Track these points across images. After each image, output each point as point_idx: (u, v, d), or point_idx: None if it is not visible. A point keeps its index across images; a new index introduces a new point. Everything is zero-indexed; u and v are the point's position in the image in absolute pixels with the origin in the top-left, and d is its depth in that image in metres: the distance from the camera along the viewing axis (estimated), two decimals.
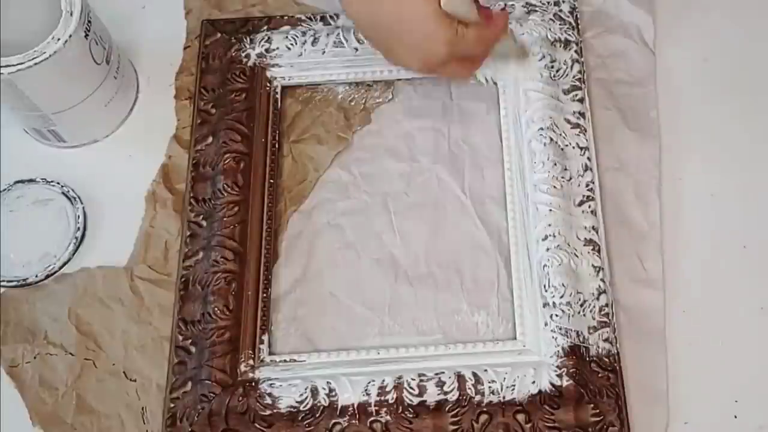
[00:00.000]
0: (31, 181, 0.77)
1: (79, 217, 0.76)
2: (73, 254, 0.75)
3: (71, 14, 0.72)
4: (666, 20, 0.81)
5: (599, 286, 0.70)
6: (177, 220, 0.76)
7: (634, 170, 0.75)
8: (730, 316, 0.71)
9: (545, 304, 0.69)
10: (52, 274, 0.74)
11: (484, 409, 0.66)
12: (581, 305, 0.69)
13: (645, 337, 0.70)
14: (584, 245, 0.71)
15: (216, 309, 0.70)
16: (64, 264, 0.74)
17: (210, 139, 0.76)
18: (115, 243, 0.75)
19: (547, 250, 0.70)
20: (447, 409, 0.66)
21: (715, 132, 0.77)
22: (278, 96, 0.79)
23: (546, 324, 0.68)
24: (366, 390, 0.67)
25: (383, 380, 0.68)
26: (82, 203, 0.76)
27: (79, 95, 0.75)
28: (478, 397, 0.67)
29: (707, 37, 0.81)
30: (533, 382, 0.67)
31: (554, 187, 0.72)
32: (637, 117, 0.77)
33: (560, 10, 0.79)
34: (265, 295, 0.72)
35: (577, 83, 0.76)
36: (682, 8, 0.82)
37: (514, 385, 0.67)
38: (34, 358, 0.72)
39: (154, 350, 0.71)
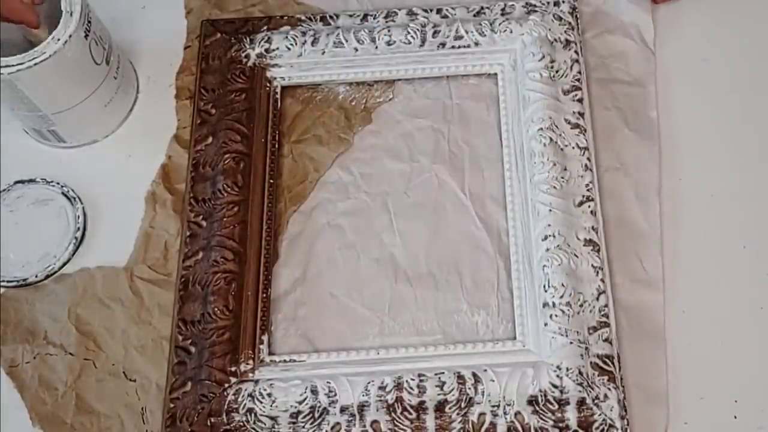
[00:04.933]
0: (31, 181, 0.77)
1: (78, 217, 0.76)
2: (73, 254, 0.75)
3: (71, 14, 0.72)
4: (666, 20, 0.81)
5: (599, 287, 0.70)
6: (177, 220, 0.76)
7: (634, 170, 0.75)
8: (730, 316, 0.71)
9: (545, 305, 0.69)
10: (52, 274, 0.74)
11: (484, 410, 0.66)
12: (581, 305, 0.69)
13: (645, 337, 0.70)
14: (584, 245, 0.71)
15: (216, 309, 0.70)
16: (64, 264, 0.74)
17: (210, 139, 0.76)
18: (114, 243, 0.75)
19: (547, 250, 0.70)
20: (447, 409, 0.67)
21: (715, 132, 0.77)
22: (278, 96, 0.79)
23: (546, 324, 0.68)
24: (366, 390, 0.67)
25: (383, 380, 0.68)
26: (82, 203, 0.76)
27: (79, 95, 0.75)
28: (478, 397, 0.67)
29: (707, 37, 0.81)
30: (533, 382, 0.67)
31: (554, 187, 0.72)
32: (637, 117, 0.77)
33: (560, 10, 0.79)
34: (264, 295, 0.72)
35: (577, 83, 0.76)
36: (682, 8, 0.82)
37: (514, 385, 0.67)
38: (34, 358, 0.72)
39: (154, 350, 0.71)
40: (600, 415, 0.66)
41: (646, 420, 0.67)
